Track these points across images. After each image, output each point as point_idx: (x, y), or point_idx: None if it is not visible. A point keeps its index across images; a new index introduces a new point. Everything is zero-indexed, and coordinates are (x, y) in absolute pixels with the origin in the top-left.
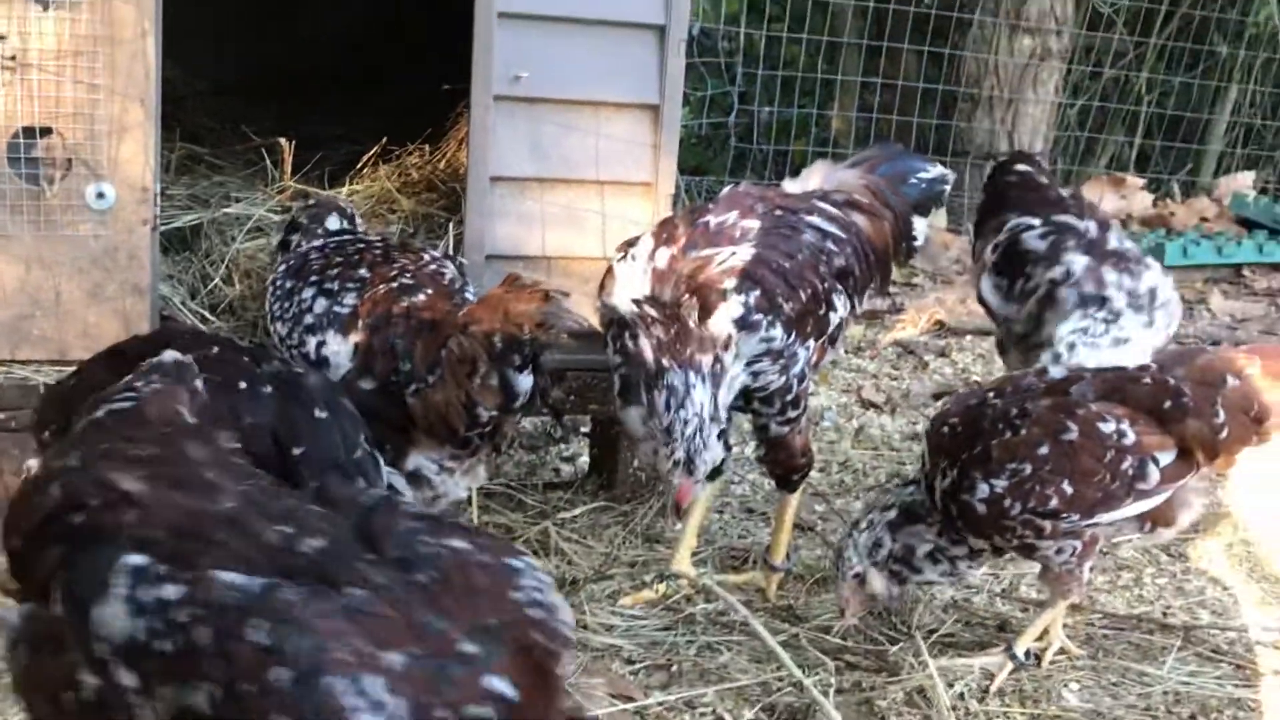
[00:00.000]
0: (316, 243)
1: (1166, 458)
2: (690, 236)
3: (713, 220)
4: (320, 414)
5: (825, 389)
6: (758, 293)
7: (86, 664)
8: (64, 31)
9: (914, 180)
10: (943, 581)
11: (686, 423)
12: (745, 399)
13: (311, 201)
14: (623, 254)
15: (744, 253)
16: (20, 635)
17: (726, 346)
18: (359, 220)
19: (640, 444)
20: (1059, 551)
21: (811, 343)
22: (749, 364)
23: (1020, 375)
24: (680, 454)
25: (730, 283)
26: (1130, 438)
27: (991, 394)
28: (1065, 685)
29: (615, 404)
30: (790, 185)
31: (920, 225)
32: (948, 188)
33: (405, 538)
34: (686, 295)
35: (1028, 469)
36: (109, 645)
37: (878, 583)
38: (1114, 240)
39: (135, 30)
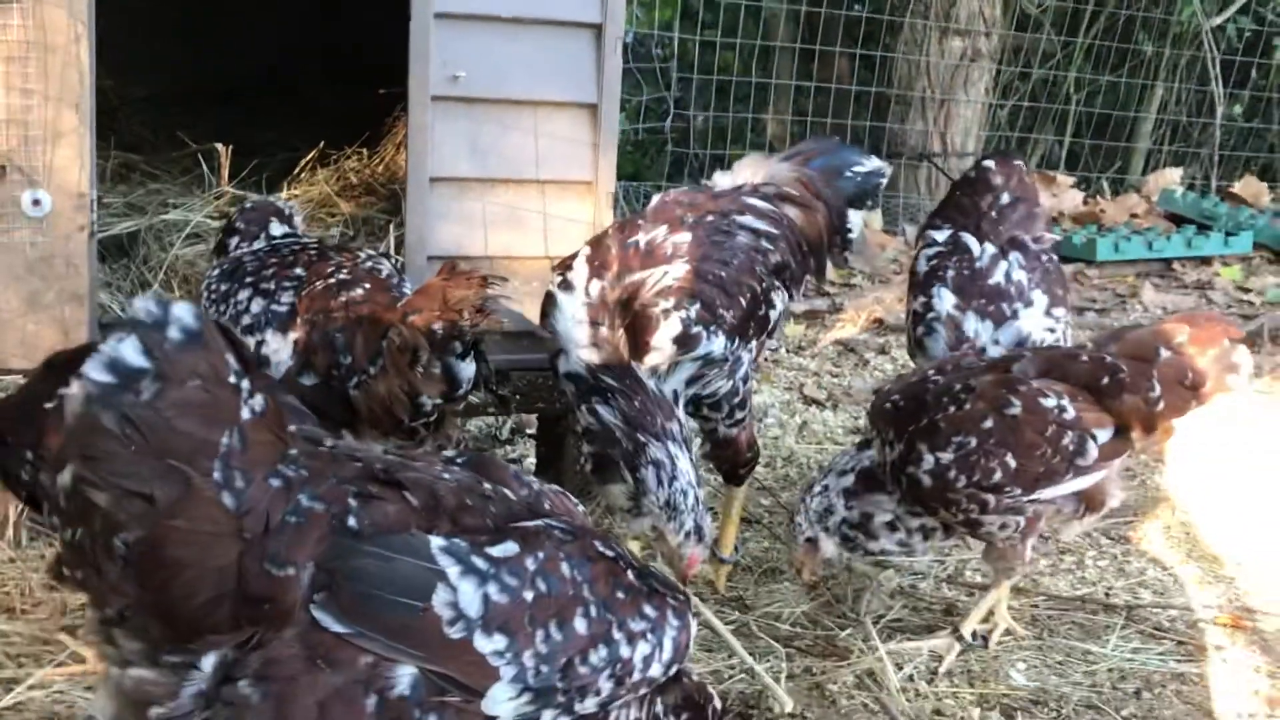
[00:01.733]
0: (254, 246)
1: (1104, 435)
2: (623, 260)
3: (643, 239)
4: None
5: (768, 387)
6: (697, 306)
7: None
8: None
9: (849, 174)
10: (895, 551)
11: (684, 493)
12: (694, 406)
13: (249, 205)
14: (560, 278)
15: (677, 269)
16: None
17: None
18: (298, 220)
19: (631, 520)
20: (1002, 527)
21: (754, 343)
22: (697, 377)
23: (959, 355)
24: (690, 524)
25: (668, 303)
26: (1070, 413)
27: (932, 371)
28: (1012, 665)
29: (594, 477)
30: (721, 179)
31: (855, 218)
32: (884, 180)
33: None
34: (624, 335)
35: (973, 442)
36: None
37: (829, 547)
38: (1004, 271)
39: (68, 36)
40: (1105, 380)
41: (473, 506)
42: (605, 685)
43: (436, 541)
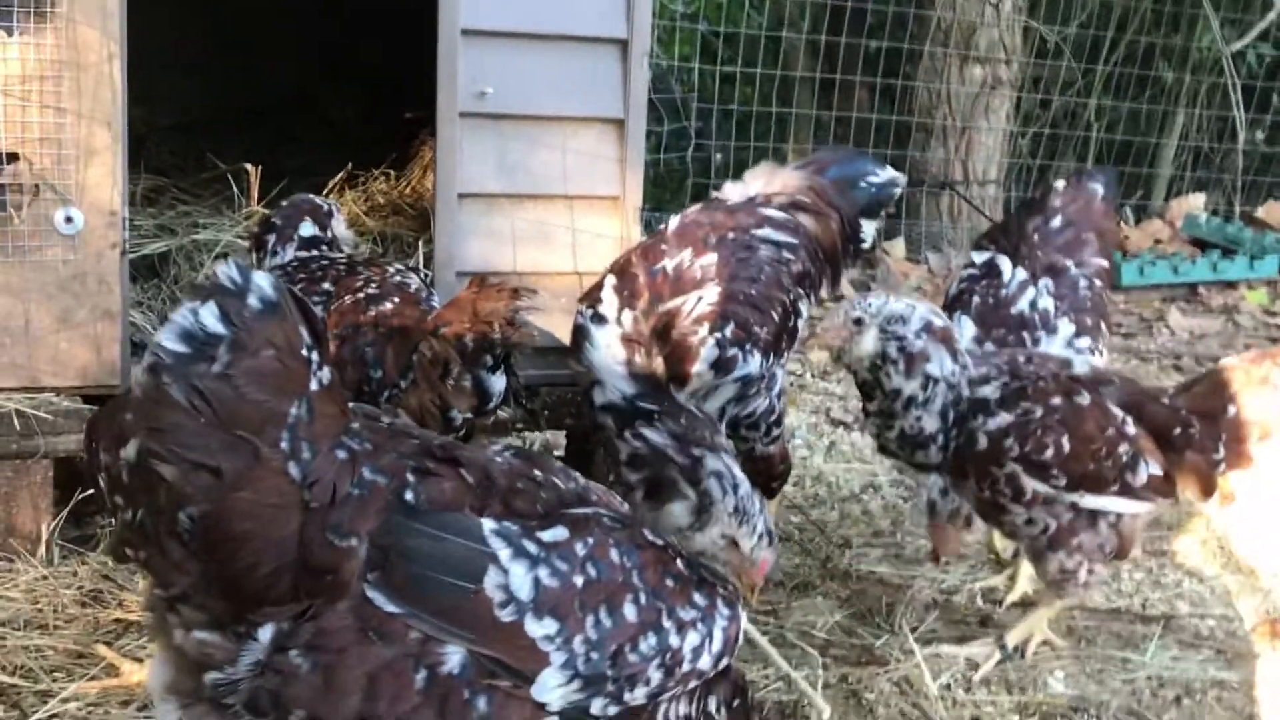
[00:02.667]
0: (283, 259)
1: (1155, 469)
2: (653, 288)
3: (669, 265)
4: None
5: (795, 410)
6: (731, 326)
7: None
8: (29, 56)
9: (864, 184)
10: (909, 440)
11: (750, 498)
12: (732, 427)
13: (285, 202)
14: (591, 310)
15: (709, 294)
16: None
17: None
18: (339, 220)
19: (695, 536)
20: (1029, 523)
21: (785, 356)
22: (737, 398)
23: (1051, 356)
24: (761, 527)
25: (704, 329)
26: (1132, 430)
27: (1024, 359)
28: (1050, 674)
29: (644, 507)
30: (732, 190)
31: (868, 228)
32: (899, 190)
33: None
34: (662, 363)
35: (1038, 412)
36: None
37: (869, 340)
38: (1029, 300)
39: (100, 54)
40: (1176, 430)
41: (524, 490)
42: (655, 675)
43: (488, 524)
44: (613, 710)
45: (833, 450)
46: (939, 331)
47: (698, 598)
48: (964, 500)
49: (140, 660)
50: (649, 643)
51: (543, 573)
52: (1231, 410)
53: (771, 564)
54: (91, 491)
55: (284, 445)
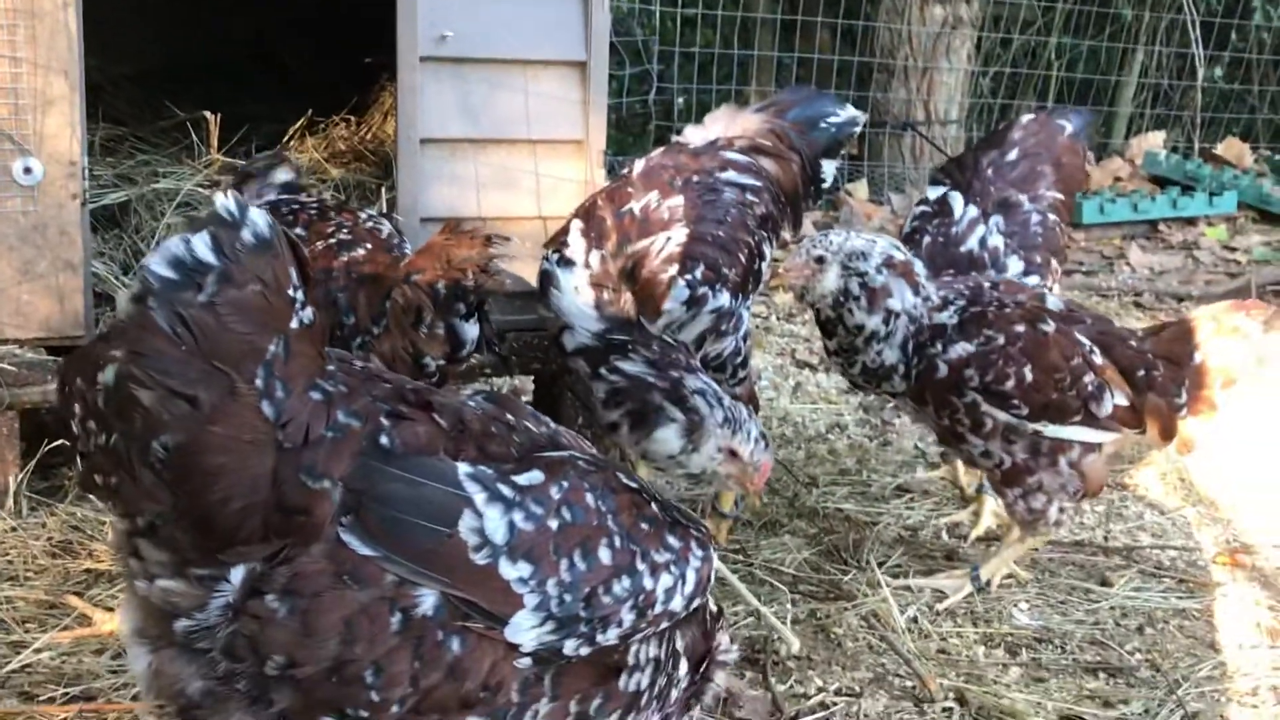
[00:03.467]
0: (268, 197)
1: (1122, 400)
2: (620, 230)
3: (636, 207)
4: None
5: (761, 352)
6: (702, 267)
7: None
8: None
9: (824, 125)
10: (866, 349)
11: (737, 408)
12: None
13: (257, 156)
14: (557, 255)
15: (678, 234)
16: None
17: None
18: (302, 175)
19: (690, 457)
20: (985, 455)
21: (751, 299)
22: (709, 331)
23: (1028, 286)
24: (755, 431)
25: (673, 269)
26: (1099, 359)
27: (988, 284)
28: (1015, 606)
29: (630, 440)
30: (693, 133)
31: (829, 167)
32: (858, 128)
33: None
34: (631, 301)
35: (1001, 340)
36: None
37: (830, 278)
38: (979, 237)
39: (55, 2)
40: (1140, 373)
41: (497, 434)
42: (627, 617)
43: (464, 468)
44: (585, 651)
45: (799, 391)
46: (899, 265)
47: (671, 540)
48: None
49: (111, 610)
50: (622, 585)
51: (517, 516)
52: (1197, 357)
53: (771, 465)
54: (59, 443)
55: (259, 383)
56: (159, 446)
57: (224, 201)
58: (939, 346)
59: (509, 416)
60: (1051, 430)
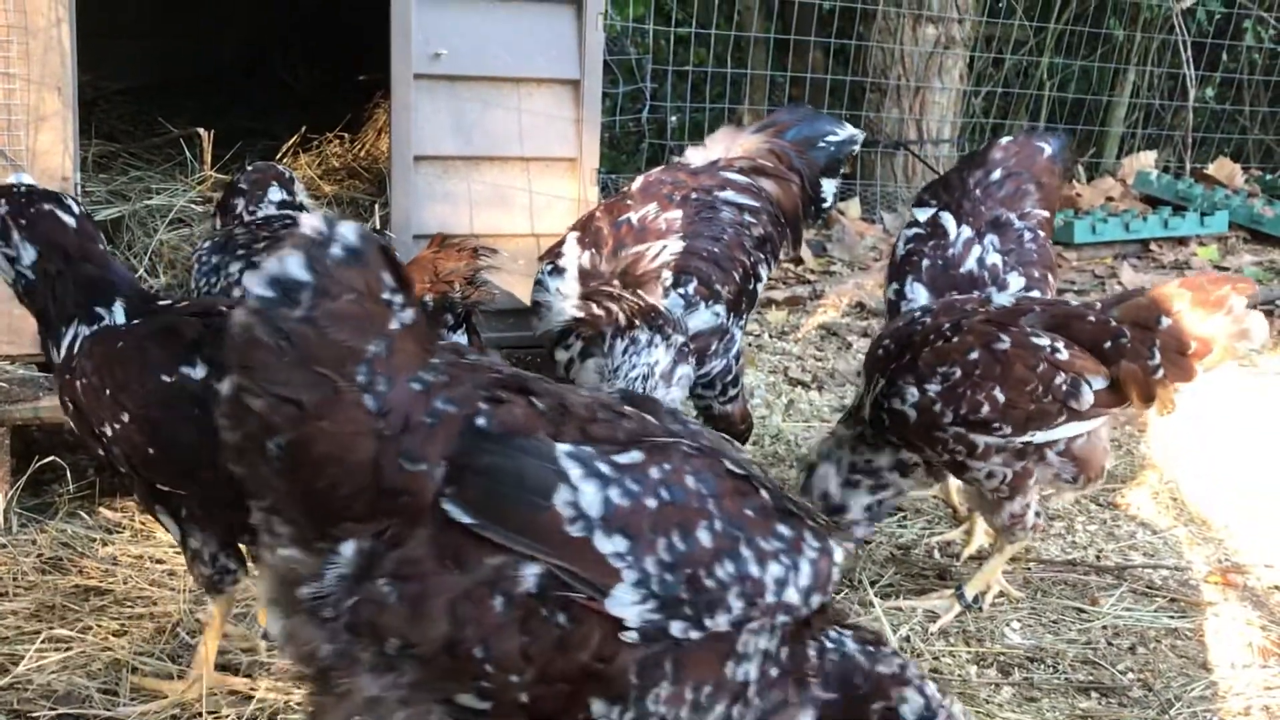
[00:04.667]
0: (251, 213)
1: (1099, 383)
2: (616, 238)
3: (634, 217)
4: None
5: (753, 370)
6: (695, 282)
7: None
8: None
9: (823, 144)
10: (879, 501)
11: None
12: (689, 387)
13: (251, 168)
14: (550, 265)
15: (673, 245)
16: None
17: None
18: (299, 187)
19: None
20: (989, 476)
21: (744, 318)
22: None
23: (960, 300)
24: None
25: (667, 277)
26: (1064, 355)
27: (919, 313)
28: (1007, 625)
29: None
30: (694, 154)
31: (829, 186)
32: (857, 146)
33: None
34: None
35: (958, 373)
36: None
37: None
38: (977, 257)
39: (49, 18)
40: (1107, 344)
41: (604, 420)
42: (736, 604)
43: (562, 447)
44: (694, 634)
45: (791, 409)
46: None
47: (782, 529)
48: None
49: (173, 677)
50: (726, 570)
51: (613, 492)
52: (1166, 321)
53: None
54: (49, 459)
55: (360, 379)
56: (273, 446)
57: (313, 219)
58: (898, 399)
59: (627, 408)
60: (1041, 436)
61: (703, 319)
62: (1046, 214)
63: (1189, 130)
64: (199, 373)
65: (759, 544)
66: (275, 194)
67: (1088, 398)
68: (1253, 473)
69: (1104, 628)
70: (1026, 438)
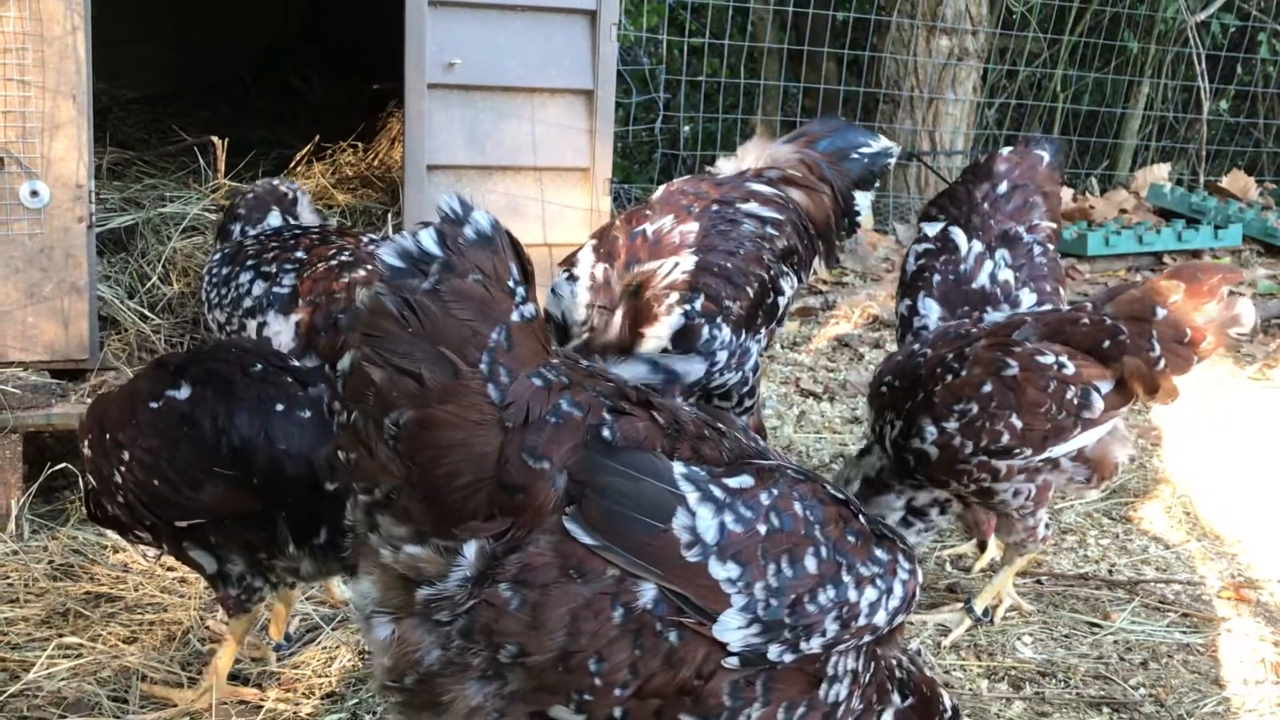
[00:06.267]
0: (255, 232)
1: (1106, 386)
2: (630, 250)
3: (650, 229)
4: None
5: (765, 381)
6: (702, 299)
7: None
8: None
9: (856, 155)
10: (922, 540)
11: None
12: (704, 397)
13: (249, 191)
14: (566, 272)
15: (686, 261)
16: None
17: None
18: (304, 204)
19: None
20: (1015, 494)
21: (763, 333)
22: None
23: (953, 326)
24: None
25: (674, 296)
26: (1070, 369)
27: (918, 346)
28: (1019, 639)
29: None
30: (724, 165)
31: (863, 199)
32: (892, 161)
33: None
34: (628, 309)
35: (975, 408)
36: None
37: None
38: (988, 273)
39: (64, 27)
40: (1106, 343)
41: (710, 438)
42: (831, 627)
43: (678, 467)
44: (788, 657)
45: (803, 420)
46: (867, 490)
47: (879, 553)
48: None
49: (183, 686)
50: (827, 595)
51: (728, 518)
52: (1161, 312)
53: None
54: (61, 466)
55: (483, 367)
56: (391, 423)
57: (448, 199)
58: (916, 441)
59: (720, 425)
60: (1059, 450)
61: (692, 367)
62: (1054, 225)
63: (1203, 143)
64: (184, 393)
65: (858, 569)
66: (274, 219)
67: (1099, 405)
68: (1266, 487)
69: (1116, 642)
70: (1045, 454)
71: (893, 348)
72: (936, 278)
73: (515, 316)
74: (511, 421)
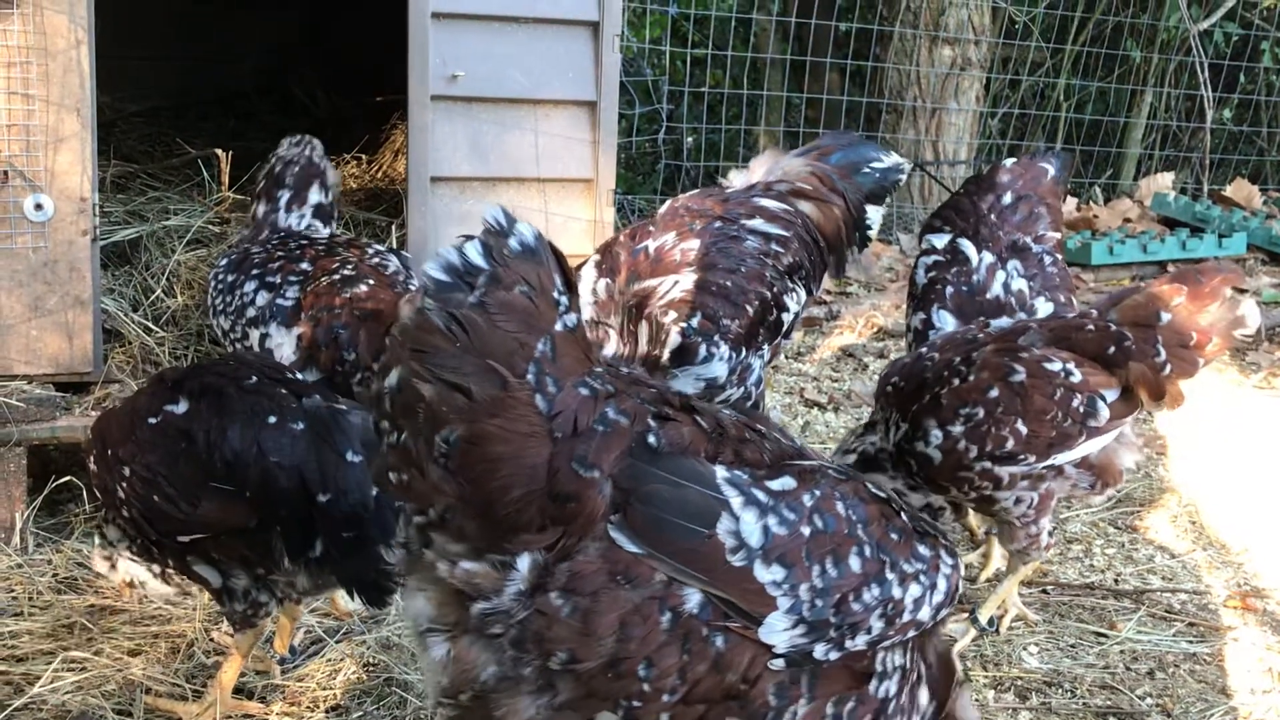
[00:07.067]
0: (284, 222)
1: (1112, 395)
2: (631, 266)
3: (652, 246)
4: (353, 457)
5: (769, 392)
6: (699, 317)
7: None
8: None
9: (867, 170)
10: None
11: None
12: None
13: (291, 160)
14: None
15: (685, 280)
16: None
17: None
18: (330, 173)
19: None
20: (1018, 502)
21: (766, 348)
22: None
23: (960, 331)
24: None
25: (671, 316)
26: (1077, 376)
27: (925, 349)
28: (1025, 649)
29: None
30: (736, 178)
31: (874, 214)
32: (903, 177)
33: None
34: (631, 326)
35: (980, 413)
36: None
37: None
38: (1002, 283)
39: (68, 40)
40: (1111, 349)
41: (751, 440)
42: (876, 624)
43: (721, 471)
44: (834, 655)
45: (807, 430)
46: (860, 465)
47: (922, 549)
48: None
49: (188, 699)
50: (872, 593)
51: (772, 521)
52: (1166, 316)
53: None
54: (66, 479)
55: (530, 379)
56: (442, 441)
57: (492, 212)
58: (920, 444)
59: (760, 427)
60: (1063, 458)
61: (685, 384)
62: (1059, 236)
63: (1206, 152)
64: (181, 408)
65: (902, 566)
66: (315, 195)
67: (1104, 413)
68: (1272, 496)
69: (1122, 652)
70: (1049, 462)
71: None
72: (949, 290)
73: (559, 326)
74: (560, 432)
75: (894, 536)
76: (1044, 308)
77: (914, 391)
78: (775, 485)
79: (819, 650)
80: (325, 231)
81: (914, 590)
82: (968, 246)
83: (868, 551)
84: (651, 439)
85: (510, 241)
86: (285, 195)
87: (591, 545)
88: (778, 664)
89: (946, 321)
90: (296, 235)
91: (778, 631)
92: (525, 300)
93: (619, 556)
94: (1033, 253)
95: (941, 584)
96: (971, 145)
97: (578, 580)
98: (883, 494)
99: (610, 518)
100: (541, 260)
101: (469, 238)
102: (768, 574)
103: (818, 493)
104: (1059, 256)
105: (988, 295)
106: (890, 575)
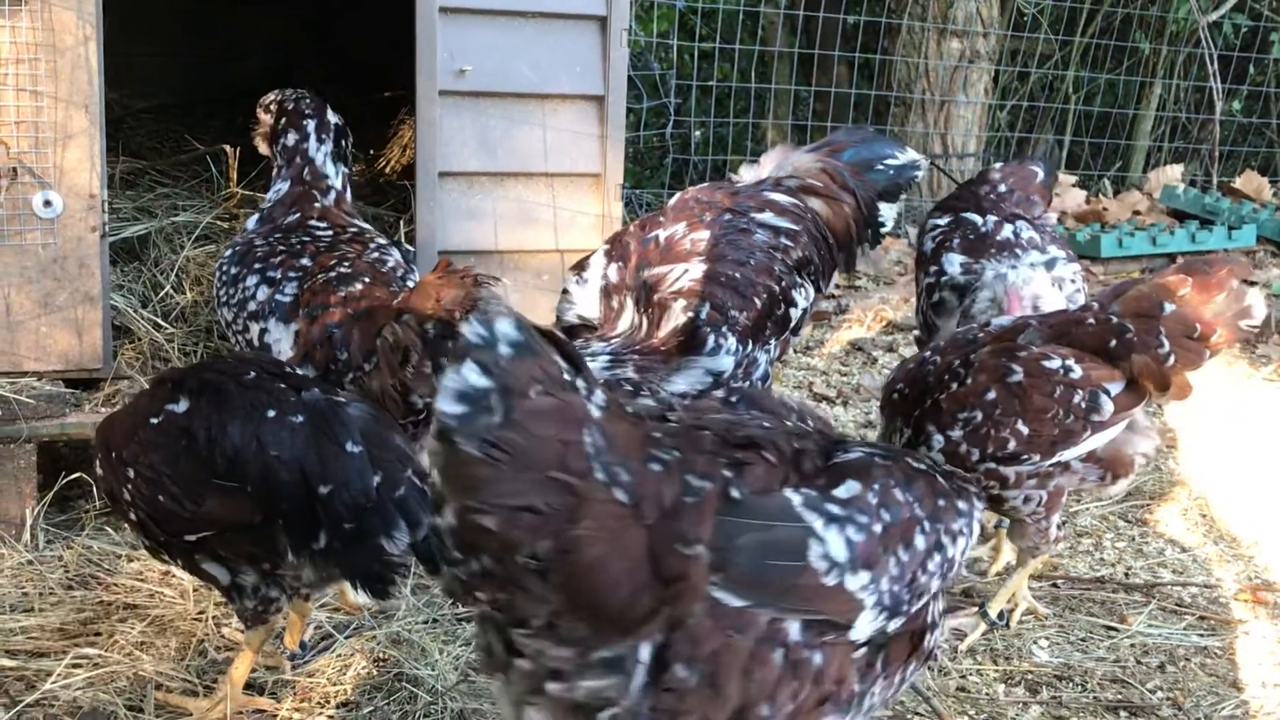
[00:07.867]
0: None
1: (1116, 388)
2: (642, 255)
3: (662, 235)
4: (353, 448)
5: (777, 385)
6: (708, 307)
7: None
8: (4, 40)
9: (881, 166)
10: None
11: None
12: None
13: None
14: (576, 275)
15: (695, 269)
16: None
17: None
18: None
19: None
20: (1026, 500)
21: (773, 343)
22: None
23: (962, 332)
24: None
25: (681, 303)
26: (1077, 372)
27: (929, 353)
28: (1035, 643)
29: None
30: (746, 173)
31: (888, 211)
32: (919, 172)
33: None
34: (641, 310)
35: (979, 416)
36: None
37: None
38: (1011, 231)
39: (77, 37)
40: (1113, 343)
41: (800, 450)
42: (934, 584)
43: (794, 497)
44: (899, 623)
45: None
46: None
47: (961, 505)
48: None
49: (197, 694)
50: (934, 561)
51: (850, 531)
52: (1169, 307)
53: None
54: (76, 476)
55: (599, 475)
56: (530, 556)
57: (470, 327)
58: (923, 449)
59: (788, 423)
60: (1069, 454)
61: (694, 377)
62: (1053, 219)
63: (1216, 144)
64: (182, 407)
65: (951, 528)
66: (333, 118)
67: (1108, 407)
68: None
69: (1133, 645)
70: (1055, 459)
71: (907, 352)
72: (956, 240)
73: (595, 411)
74: (650, 517)
75: (942, 503)
76: (1060, 253)
77: (917, 397)
78: (842, 493)
79: (893, 625)
80: (338, 179)
81: (961, 544)
82: (972, 215)
83: (927, 526)
84: (734, 492)
85: (501, 349)
86: (312, 123)
87: (697, 606)
88: (860, 652)
89: (954, 262)
90: (297, 229)
91: (864, 628)
92: (546, 399)
93: (724, 611)
94: (1036, 222)
95: (975, 527)
96: (980, 138)
97: (698, 647)
98: (923, 465)
99: (711, 579)
100: (537, 351)
101: (459, 359)
102: (856, 581)
103: (877, 486)
104: (1056, 235)
105: (998, 237)
106: (945, 540)
